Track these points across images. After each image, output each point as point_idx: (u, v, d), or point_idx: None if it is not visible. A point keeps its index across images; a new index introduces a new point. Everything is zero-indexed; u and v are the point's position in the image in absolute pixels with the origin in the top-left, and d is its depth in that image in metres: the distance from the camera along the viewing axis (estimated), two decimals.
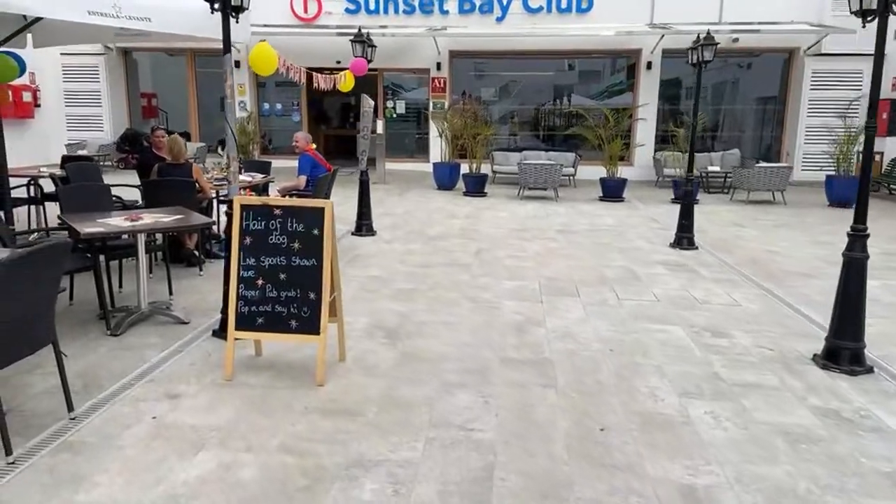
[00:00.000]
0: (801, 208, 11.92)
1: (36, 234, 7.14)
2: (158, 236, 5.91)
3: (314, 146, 7.87)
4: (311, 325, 3.93)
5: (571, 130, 13.76)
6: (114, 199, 6.26)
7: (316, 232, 3.95)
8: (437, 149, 16.23)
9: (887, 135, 14.42)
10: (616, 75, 20.45)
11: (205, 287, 6.02)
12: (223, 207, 6.63)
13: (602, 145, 12.80)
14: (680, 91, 17.56)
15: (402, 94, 17.89)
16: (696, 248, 8.13)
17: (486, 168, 13.90)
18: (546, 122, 19.14)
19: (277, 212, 3.97)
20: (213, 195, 7.14)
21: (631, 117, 13.81)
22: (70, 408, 3.44)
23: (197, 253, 6.71)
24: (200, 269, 6.53)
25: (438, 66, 16.41)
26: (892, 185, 13.88)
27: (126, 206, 6.78)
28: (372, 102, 8.29)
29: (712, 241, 8.54)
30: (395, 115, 17.35)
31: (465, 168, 13.69)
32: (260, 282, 3.98)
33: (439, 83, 16.54)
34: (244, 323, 3.98)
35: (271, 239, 3.98)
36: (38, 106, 15.88)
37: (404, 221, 9.84)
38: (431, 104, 16.58)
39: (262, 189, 8.58)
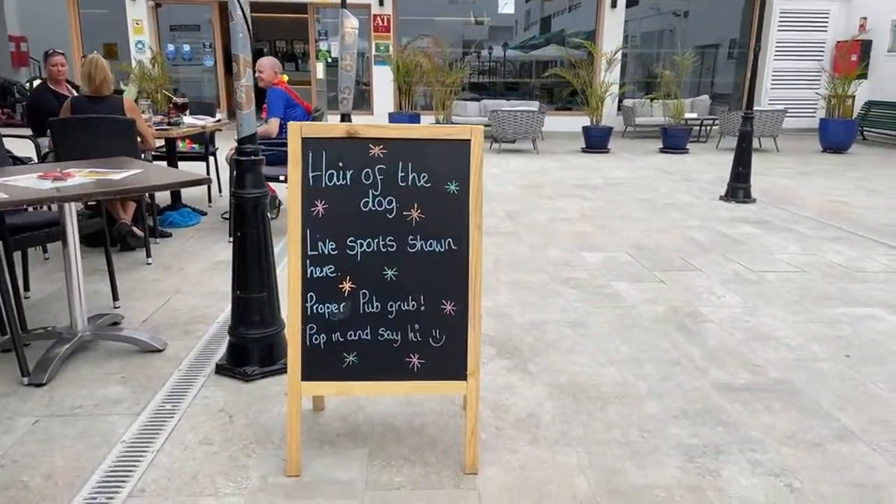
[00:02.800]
0: (798, 155, 10.96)
1: None
2: (79, 205, 3.79)
3: (286, 78, 5.79)
4: (448, 363, 2.11)
5: (551, 72, 12.07)
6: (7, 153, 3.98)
7: (453, 187, 2.10)
8: (384, 99, 14.29)
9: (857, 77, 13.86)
10: (529, 30, 19.12)
11: (164, 283, 3.97)
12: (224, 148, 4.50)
13: (586, 90, 11.26)
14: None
15: (331, 39, 15.49)
16: (754, 200, 6.82)
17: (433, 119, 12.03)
18: (498, 70, 17.47)
19: (377, 151, 2.07)
20: (155, 147, 4.98)
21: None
22: None
23: (136, 231, 4.56)
24: (148, 256, 4.40)
25: (381, 1, 14.18)
26: (865, 130, 13.29)
27: (23, 163, 4.51)
28: (356, 21, 6.23)
29: (756, 192, 7.22)
30: (330, 59, 14.96)
31: (424, 120, 11.84)
32: (347, 286, 2.09)
33: (383, 21, 14.33)
34: (321, 365, 2.09)
35: (367, 203, 2.08)
36: None
37: None
38: (374, 47, 14.38)
39: (209, 139, 6.40)
